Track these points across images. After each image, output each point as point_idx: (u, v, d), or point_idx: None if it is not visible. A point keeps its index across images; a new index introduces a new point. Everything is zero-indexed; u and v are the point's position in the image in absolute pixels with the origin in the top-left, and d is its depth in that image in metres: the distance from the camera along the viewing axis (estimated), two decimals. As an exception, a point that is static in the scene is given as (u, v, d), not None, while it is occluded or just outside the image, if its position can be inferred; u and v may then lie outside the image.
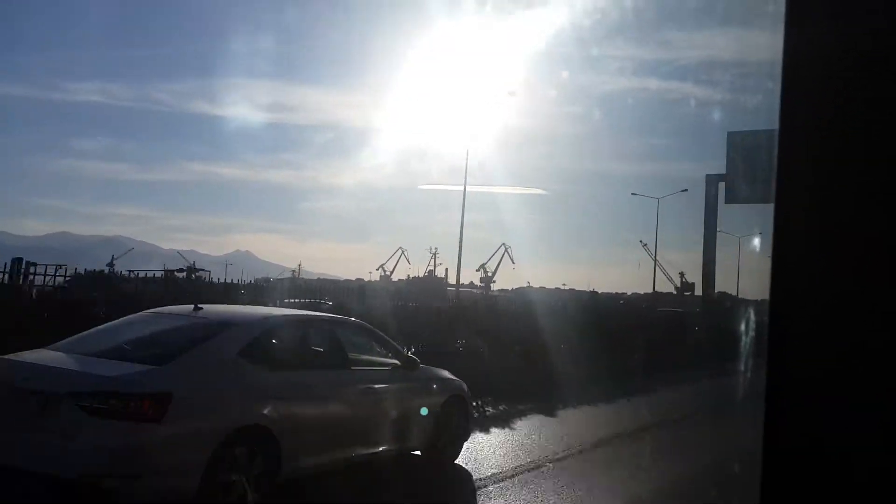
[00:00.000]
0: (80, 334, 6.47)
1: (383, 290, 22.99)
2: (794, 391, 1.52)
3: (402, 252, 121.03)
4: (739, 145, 51.34)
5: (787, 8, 1.67)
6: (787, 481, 1.49)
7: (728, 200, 54.99)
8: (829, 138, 1.59)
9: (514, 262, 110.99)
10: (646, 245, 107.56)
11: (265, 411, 5.84)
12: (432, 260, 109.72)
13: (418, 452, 8.02)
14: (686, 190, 69.81)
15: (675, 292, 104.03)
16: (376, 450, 7.26)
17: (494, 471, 8.16)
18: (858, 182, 1.54)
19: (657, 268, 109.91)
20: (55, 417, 5.11)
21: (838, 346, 1.50)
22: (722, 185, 55.39)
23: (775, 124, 1.66)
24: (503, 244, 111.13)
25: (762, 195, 39.70)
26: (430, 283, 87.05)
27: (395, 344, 8.36)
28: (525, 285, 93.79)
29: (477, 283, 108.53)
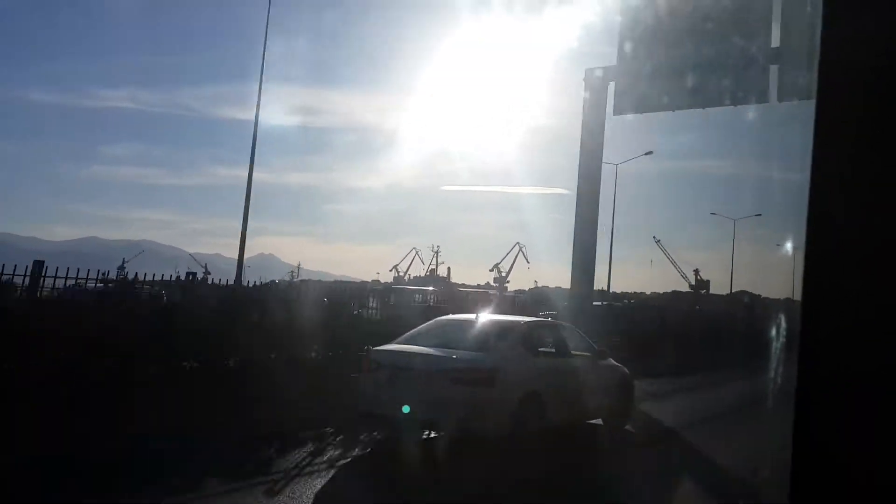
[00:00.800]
0: (409, 334, 9.46)
1: (372, 291, 21.49)
2: (825, 392, 1.49)
3: (416, 252, 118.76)
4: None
5: (824, 5, 1.64)
6: (816, 479, 1.47)
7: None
8: (868, 133, 1.56)
9: (528, 262, 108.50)
10: (659, 241, 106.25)
11: (537, 383, 8.73)
12: (434, 258, 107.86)
13: (600, 421, 10.63)
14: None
15: (690, 290, 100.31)
16: (582, 417, 10.11)
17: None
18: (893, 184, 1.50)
19: (675, 266, 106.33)
20: (430, 386, 8.06)
21: (870, 347, 1.47)
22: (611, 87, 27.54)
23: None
24: (517, 243, 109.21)
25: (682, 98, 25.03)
26: (431, 283, 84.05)
27: (588, 340, 10.86)
28: (538, 285, 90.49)
29: (491, 283, 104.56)
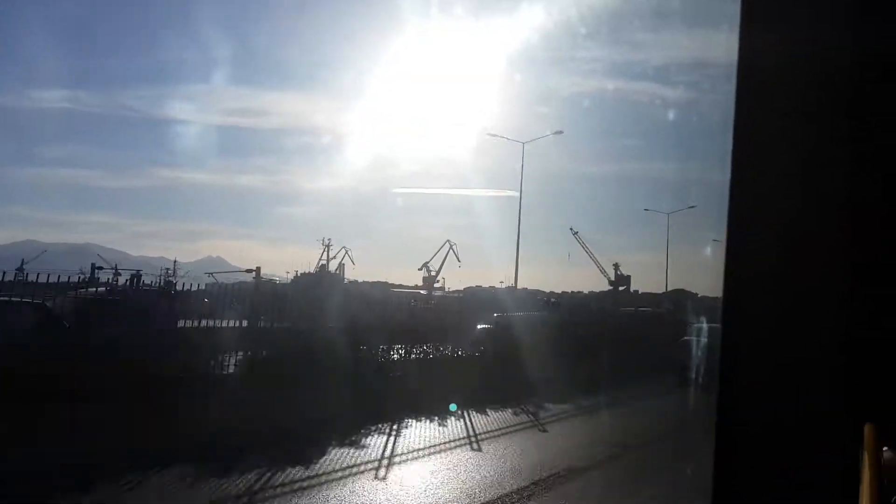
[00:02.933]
0: None
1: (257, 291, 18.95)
2: (744, 400, 1.53)
3: (346, 252, 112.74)
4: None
5: (742, 10, 1.70)
6: (737, 478, 1.51)
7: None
8: (782, 143, 1.61)
9: (459, 260, 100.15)
10: (577, 233, 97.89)
11: None
12: (325, 253, 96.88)
13: None
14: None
15: (609, 287, 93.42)
16: None
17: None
18: (810, 184, 1.56)
19: (594, 260, 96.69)
20: None
21: (787, 353, 1.51)
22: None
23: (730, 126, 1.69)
24: (448, 241, 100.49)
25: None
26: (321, 280, 74.39)
27: None
28: (472, 286, 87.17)
29: (416, 283, 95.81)
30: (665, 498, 7.78)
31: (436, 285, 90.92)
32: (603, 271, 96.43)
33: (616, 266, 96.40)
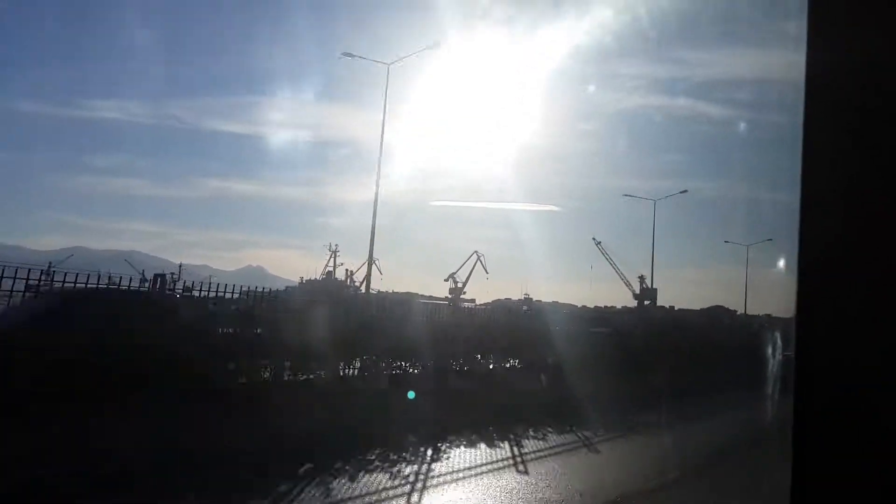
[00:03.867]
0: None
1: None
2: (822, 414, 1.52)
3: (375, 262, 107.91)
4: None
5: (808, 27, 1.70)
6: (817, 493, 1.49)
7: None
8: (853, 155, 1.61)
9: (487, 272, 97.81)
10: (600, 243, 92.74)
11: None
12: (332, 259, 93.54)
13: None
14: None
15: (634, 300, 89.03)
16: None
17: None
18: (884, 198, 1.55)
19: (617, 272, 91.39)
20: None
21: (866, 367, 1.50)
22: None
23: (796, 140, 1.69)
24: (475, 252, 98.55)
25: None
26: (328, 287, 74.41)
27: None
28: (501, 298, 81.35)
29: (447, 294, 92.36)
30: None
31: (462, 296, 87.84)
32: (628, 284, 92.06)
33: (641, 279, 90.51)
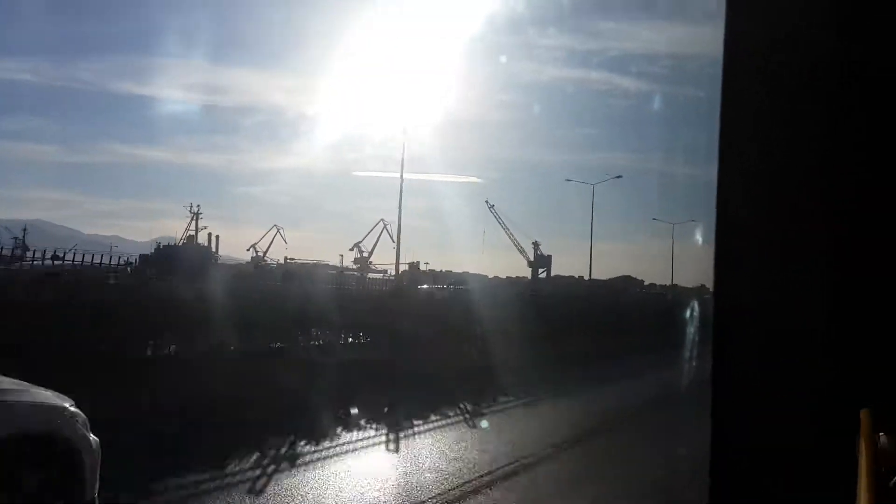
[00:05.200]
0: None
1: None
2: (739, 387, 1.57)
3: (279, 230, 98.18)
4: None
5: (727, 1, 1.72)
6: (734, 473, 1.55)
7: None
8: (770, 129, 1.65)
9: (393, 240, 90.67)
10: (493, 206, 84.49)
11: None
12: (193, 221, 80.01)
13: None
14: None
15: (528, 267, 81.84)
16: None
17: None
18: (798, 172, 1.59)
19: (510, 237, 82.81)
20: None
21: (779, 339, 1.55)
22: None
23: (712, 114, 1.72)
24: (381, 220, 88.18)
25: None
26: (185, 254, 63.43)
27: None
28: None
29: (351, 264, 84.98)
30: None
31: (370, 265, 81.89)
32: (522, 251, 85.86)
33: (536, 245, 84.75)
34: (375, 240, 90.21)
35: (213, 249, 77.70)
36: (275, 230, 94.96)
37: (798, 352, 1.51)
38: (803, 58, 1.61)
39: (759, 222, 1.60)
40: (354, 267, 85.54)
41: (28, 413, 5.04)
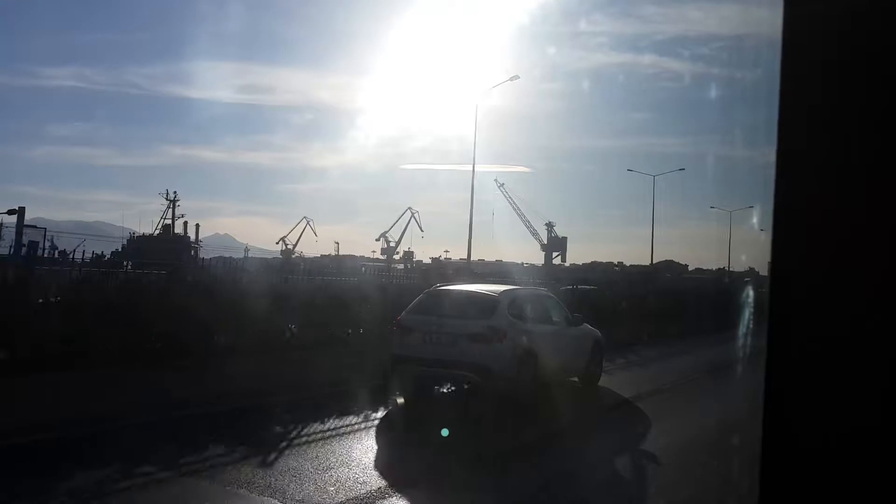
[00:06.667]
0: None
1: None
2: (796, 374, 1.51)
3: (308, 222, 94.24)
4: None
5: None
6: (788, 463, 1.49)
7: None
8: (832, 117, 1.58)
9: (422, 230, 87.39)
10: (502, 185, 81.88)
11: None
12: (170, 210, 76.68)
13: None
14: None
15: (542, 251, 77.15)
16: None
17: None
18: (861, 160, 1.53)
19: (522, 220, 79.04)
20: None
21: (839, 327, 1.49)
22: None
23: (771, 100, 1.65)
24: (409, 208, 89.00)
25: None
26: (164, 245, 62.05)
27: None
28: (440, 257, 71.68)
29: (378, 254, 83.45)
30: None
31: (395, 256, 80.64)
32: (534, 233, 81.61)
33: (549, 226, 79.61)
34: (403, 229, 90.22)
35: (192, 239, 75.06)
36: (304, 223, 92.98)
37: (855, 350, 1.45)
38: (867, 37, 1.54)
39: (819, 205, 1.54)
40: (382, 258, 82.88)
41: (595, 333, 12.78)
